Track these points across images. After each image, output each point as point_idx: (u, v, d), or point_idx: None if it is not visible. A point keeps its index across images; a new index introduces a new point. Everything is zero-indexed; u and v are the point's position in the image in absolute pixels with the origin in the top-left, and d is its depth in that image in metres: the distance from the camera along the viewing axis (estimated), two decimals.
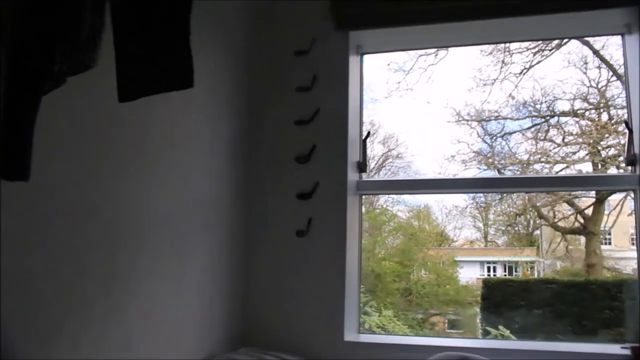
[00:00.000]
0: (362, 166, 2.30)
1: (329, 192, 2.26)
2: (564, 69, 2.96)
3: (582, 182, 2.30)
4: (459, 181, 2.37)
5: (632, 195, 2.02)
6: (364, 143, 2.35)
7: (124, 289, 1.55)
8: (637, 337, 1.93)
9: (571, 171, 2.91)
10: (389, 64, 3.18)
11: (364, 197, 2.67)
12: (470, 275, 3.40)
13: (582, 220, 3.20)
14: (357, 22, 2.14)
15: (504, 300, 3.13)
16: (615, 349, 1.85)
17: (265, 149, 2.39)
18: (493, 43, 2.33)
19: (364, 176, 2.44)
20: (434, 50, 3.05)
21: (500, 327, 2.82)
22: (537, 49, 3.08)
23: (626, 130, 1.97)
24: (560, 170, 3.08)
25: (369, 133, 2.45)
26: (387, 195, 3.51)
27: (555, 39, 2.64)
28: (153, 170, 1.72)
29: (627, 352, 1.77)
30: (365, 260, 3.45)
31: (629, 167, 1.97)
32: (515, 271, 3.37)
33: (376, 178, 2.69)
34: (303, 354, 2.13)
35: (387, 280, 3.37)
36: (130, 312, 1.58)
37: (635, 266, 2.17)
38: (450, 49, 2.96)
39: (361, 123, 2.43)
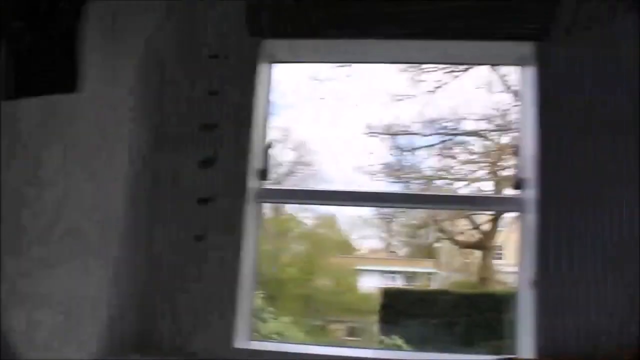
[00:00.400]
0: (264, 174, 2.27)
1: (229, 199, 2.22)
2: (473, 91, 3.07)
3: (470, 202, 2.40)
4: (362, 194, 2.39)
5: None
6: (267, 151, 2.34)
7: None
8: (514, 349, 2.05)
9: (471, 189, 3.03)
10: (306, 73, 3.15)
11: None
12: (371, 284, 3.45)
13: (479, 236, 3.34)
14: (269, 31, 2.12)
15: (402, 309, 3.20)
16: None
17: (169, 152, 2.31)
18: (401, 63, 2.38)
19: (267, 184, 2.41)
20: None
21: (394, 336, 2.88)
22: (449, 70, 3.17)
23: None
24: (461, 188, 3.20)
25: (271, 142, 2.43)
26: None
27: (462, 64, 2.73)
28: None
29: None
30: (268, 266, 3.42)
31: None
32: (415, 282, 3.47)
33: (278, 186, 2.66)
34: None
35: (289, 286, 3.36)
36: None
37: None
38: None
39: (266, 131, 2.41)
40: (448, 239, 3.36)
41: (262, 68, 2.27)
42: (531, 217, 1.99)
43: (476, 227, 3.25)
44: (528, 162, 2.02)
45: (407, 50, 2.16)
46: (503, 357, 1.91)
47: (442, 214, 3.33)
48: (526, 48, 2.02)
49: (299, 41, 2.17)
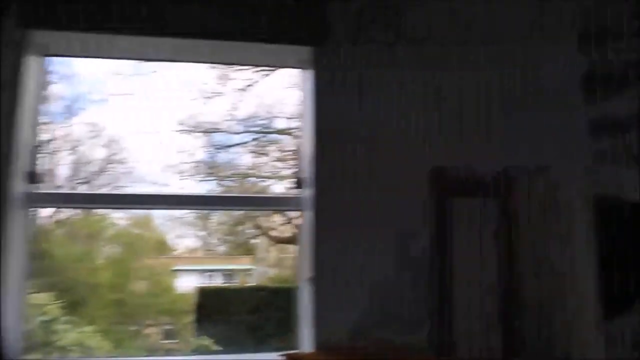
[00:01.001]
0: (33, 177, 2.05)
1: None
2: (283, 90, 3.12)
3: (255, 202, 2.43)
4: (155, 197, 2.29)
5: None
6: (36, 152, 2.08)
7: None
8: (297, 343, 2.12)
9: (282, 187, 3.09)
10: (108, 66, 3.01)
11: None
12: (189, 284, 3.40)
13: (293, 230, 3.42)
14: (42, 22, 1.94)
15: (217, 309, 3.19)
16: (273, 356, 1.98)
17: None
18: (183, 61, 2.34)
19: (44, 187, 2.17)
20: None
21: (203, 337, 2.86)
22: (259, 69, 3.19)
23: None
24: (272, 185, 3.25)
25: (40, 143, 2.20)
26: None
27: (244, 65, 2.78)
28: None
29: (282, 359, 1.90)
30: (76, 270, 3.22)
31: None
32: (233, 279, 3.48)
33: (55, 190, 2.47)
34: None
35: (100, 291, 3.20)
36: None
37: None
38: None
39: (36, 130, 2.13)
40: (264, 234, 3.41)
41: (31, 61, 2.05)
42: (308, 215, 2.07)
43: (289, 221, 3.32)
44: (306, 162, 2.10)
45: (191, 49, 2.13)
46: (283, 353, 1.96)
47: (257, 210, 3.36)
48: (305, 52, 2.08)
49: (75, 34, 2.03)
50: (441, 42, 2.22)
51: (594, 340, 2.06)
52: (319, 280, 2.02)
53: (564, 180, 2.13)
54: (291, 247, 3.42)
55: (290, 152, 3.22)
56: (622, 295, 2.04)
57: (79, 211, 3.37)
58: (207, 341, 2.86)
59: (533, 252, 2.17)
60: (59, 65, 2.98)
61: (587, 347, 2.09)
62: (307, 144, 2.12)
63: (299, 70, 2.21)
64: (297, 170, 2.13)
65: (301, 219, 2.16)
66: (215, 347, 2.87)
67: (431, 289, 2.09)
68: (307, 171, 2.11)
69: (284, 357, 1.92)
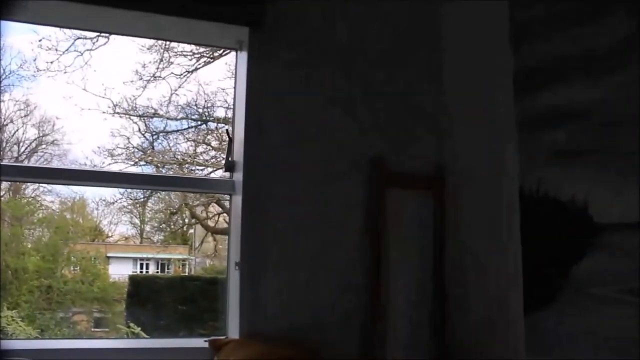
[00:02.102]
0: None
1: None
2: (227, 79, 3.08)
3: (186, 183, 2.40)
4: (87, 173, 2.23)
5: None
6: None
7: None
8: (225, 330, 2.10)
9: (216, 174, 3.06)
10: (40, 40, 2.90)
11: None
12: (122, 272, 3.32)
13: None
14: None
15: (147, 297, 3.13)
16: (199, 342, 1.95)
17: None
18: (121, 34, 2.28)
19: None
20: (94, 35, 2.89)
21: (133, 325, 2.80)
22: (198, 55, 3.15)
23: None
24: (212, 172, 3.21)
25: None
26: (37, 184, 3.22)
27: (174, 41, 2.74)
28: None
29: (207, 345, 1.89)
30: (1, 254, 3.10)
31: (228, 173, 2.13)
32: (168, 268, 3.42)
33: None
34: None
35: (25, 276, 3.09)
36: None
37: None
38: (112, 37, 2.82)
39: None
40: (200, 224, 3.37)
41: None
42: (238, 199, 2.05)
43: (226, 211, 3.29)
44: (239, 146, 2.08)
45: (128, 22, 2.07)
46: (207, 339, 1.94)
47: (195, 200, 3.32)
48: (243, 33, 2.06)
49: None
50: None
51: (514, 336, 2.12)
52: (247, 266, 2.00)
53: (494, 176, 2.18)
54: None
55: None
56: (544, 290, 2.10)
57: (5, 195, 3.25)
58: (137, 329, 2.80)
59: (462, 247, 2.21)
60: None
61: (508, 343, 2.15)
62: (239, 127, 2.10)
63: (235, 52, 2.19)
64: (229, 154, 2.11)
65: (232, 204, 2.15)
66: (145, 335, 2.82)
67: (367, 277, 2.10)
68: (239, 155, 2.09)
69: (207, 343, 1.90)
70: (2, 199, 3.22)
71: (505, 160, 2.14)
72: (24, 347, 2.03)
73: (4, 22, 2.14)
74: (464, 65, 2.26)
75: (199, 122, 3.14)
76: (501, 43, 2.01)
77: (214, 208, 3.31)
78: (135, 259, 3.37)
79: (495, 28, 2.05)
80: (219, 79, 3.13)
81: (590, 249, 1.75)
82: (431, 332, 2.20)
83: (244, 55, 2.09)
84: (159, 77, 3.04)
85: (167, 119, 3.12)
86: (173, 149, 3.14)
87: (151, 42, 2.94)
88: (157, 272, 3.37)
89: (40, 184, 3.16)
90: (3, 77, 2.91)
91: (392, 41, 2.27)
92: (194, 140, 3.10)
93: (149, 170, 3.18)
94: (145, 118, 3.10)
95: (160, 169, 3.17)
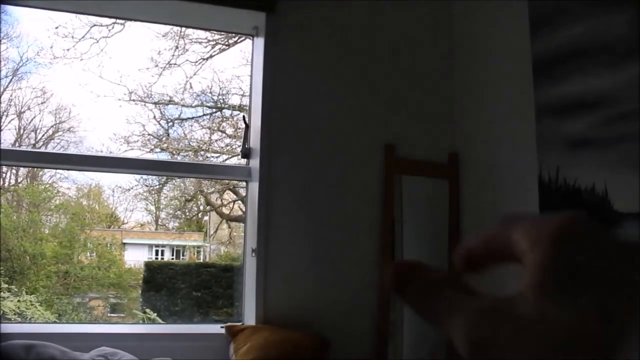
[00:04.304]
0: None
1: None
2: (242, 66, 3.07)
3: (201, 170, 2.40)
4: (103, 160, 2.25)
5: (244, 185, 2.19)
6: None
7: None
8: (242, 317, 2.11)
9: (231, 161, 3.05)
10: (56, 28, 2.91)
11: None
12: (137, 258, 3.35)
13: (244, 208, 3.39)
14: None
15: (164, 283, 3.15)
16: (215, 328, 1.97)
17: None
18: (139, 20, 2.28)
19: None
20: (110, 22, 2.89)
21: (149, 311, 2.83)
22: (214, 42, 3.14)
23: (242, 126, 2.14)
24: (227, 160, 3.21)
25: None
26: (54, 171, 3.25)
27: (190, 27, 2.73)
28: None
29: (223, 331, 1.90)
30: (19, 239, 3.14)
31: (244, 160, 2.13)
32: (183, 255, 3.44)
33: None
34: None
35: (43, 262, 3.12)
36: None
37: None
38: (127, 24, 2.83)
39: None
40: (215, 211, 3.38)
41: None
42: (255, 186, 2.05)
43: (241, 199, 3.30)
44: (255, 133, 2.08)
45: (146, 8, 2.07)
46: (223, 325, 1.95)
47: (209, 187, 3.33)
48: (259, 18, 2.06)
49: None
50: None
51: None
52: (263, 252, 2.01)
53: (512, 164, 2.17)
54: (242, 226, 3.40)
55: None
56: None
57: (23, 181, 3.28)
58: (152, 315, 2.82)
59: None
60: (4, 25, 2.88)
61: None
62: (255, 114, 2.10)
63: (251, 38, 2.19)
64: (245, 141, 2.11)
65: (248, 190, 2.15)
66: (160, 321, 2.84)
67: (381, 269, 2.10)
68: (255, 142, 2.09)
69: (224, 329, 1.91)
70: (20, 185, 3.26)
71: (523, 148, 2.12)
72: (43, 331, 2.06)
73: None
74: (481, 53, 2.24)
75: (214, 110, 3.14)
76: (521, 30, 1.98)
77: (229, 195, 3.31)
78: (150, 246, 3.39)
79: (515, 14, 2.03)
80: (233, 66, 3.11)
81: None
82: None
83: (260, 41, 2.09)
84: (174, 64, 3.04)
85: (182, 106, 3.12)
86: (188, 136, 3.15)
87: (166, 29, 2.94)
88: (173, 258, 3.39)
89: (57, 171, 3.19)
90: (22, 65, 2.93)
91: (408, 27, 2.25)
92: (209, 128, 3.10)
93: (164, 157, 3.19)
94: (161, 105, 3.11)
95: (176, 156, 3.18)
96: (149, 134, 3.10)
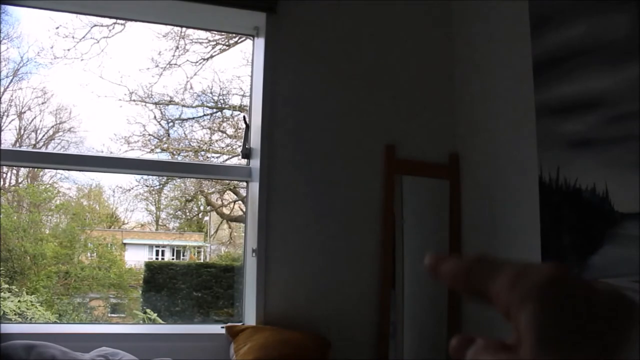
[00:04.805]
0: None
1: None
2: (242, 67, 3.07)
3: (202, 170, 2.41)
4: (104, 160, 2.25)
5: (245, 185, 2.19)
6: None
7: None
8: (242, 317, 2.11)
9: (231, 161, 3.05)
10: (57, 28, 2.91)
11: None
12: (138, 258, 3.35)
13: (244, 209, 3.39)
14: None
15: (164, 283, 3.16)
16: (215, 328, 1.97)
17: None
18: (140, 20, 2.28)
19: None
20: (111, 22, 2.89)
21: (148, 310, 2.83)
22: (214, 42, 3.14)
23: (243, 126, 2.14)
24: (227, 160, 3.21)
25: None
26: (54, 171, 3.25)
27: (191, 28, 2.73)
28: None
29: (223, 331, 1.90)
30: (19, 240, 3.14)
31: (245, 160, 2.13)
32: (183, 255, 3.44)
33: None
34: None
35: (44, 262, 3.12)
36: None
37: None
38: (127, 24, 2.83)
39: None
40: (215, 211, 3.38)
41: None
42: (255, 186, 2.05)
43: (241, 199, 3.30)
44: (256, 133, 2.08)
45: (146, 8, 2.07)
46: (224, 326, 1.95)
47: (209, 187, 3.33)
48: (259, 19, 2.06)
49: None
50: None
51: None
52: (264, 252, 2.01)
53: (512, 164, 2.16)
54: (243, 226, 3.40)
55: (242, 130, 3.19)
56: None
57: (24, 181, 3.28)
58: (153, 315, 2.82)
59: (479, 235, 2.20)
60: (5, 25, 2.88)
61: None
62: (256, 114, 2.10)
63: (252, 38, 2.19)
64: (246, 141, 2.11)
65: (249, 191, 2.15)
66: (161, 321, 2.84)
67: (382, 265, 2.10)
68: (255, 142, 2.10)
69: (224, 329, 1.91)
70: (20, 185, 3.26)
71: (524, 148, 2.12)
72: (43, 331, 2.06)
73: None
74: (481, 53, 2.24)
75: (215, 110, 3.14)
76: (521, 30, 1.98)
77: (229, 196, 3.31)
78: (151, 246, 3.39)
79: (515, 14, 2.03)
80: (234, 66, 3.11)
81: (610, 239, 1.73)
82: (447, 320, 2.20)
83: (260, 42, 2.09)
84: (175, 64, 3.04)
85: (183, 106, 3.12)
86: (189, 136, 3.15)
87: (167, 29, 2.94)
88: (173, 259, 3.39)
89: (58, 171, 3.19)
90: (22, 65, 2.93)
91: (408, 27, 2.25)
92: (209, 128, 3.10)
93: (165, 157, 3.19)
94: (161, 105, 3.11)
95: (176, 156, 3.18)
96: (149, 134, 3.10)
